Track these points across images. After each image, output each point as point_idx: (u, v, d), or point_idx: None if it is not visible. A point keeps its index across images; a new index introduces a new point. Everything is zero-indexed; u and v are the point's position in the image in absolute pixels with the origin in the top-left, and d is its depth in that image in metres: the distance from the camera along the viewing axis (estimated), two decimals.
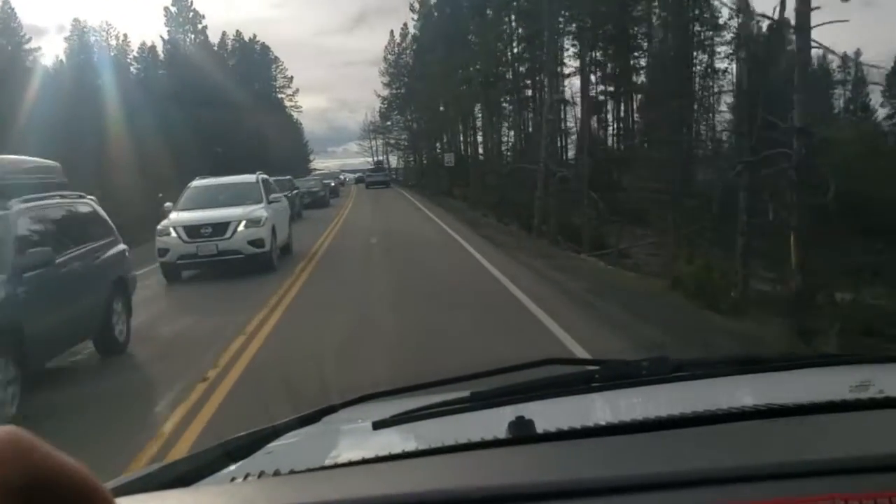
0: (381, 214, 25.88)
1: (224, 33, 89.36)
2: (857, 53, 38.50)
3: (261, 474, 1.12)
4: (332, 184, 42.20)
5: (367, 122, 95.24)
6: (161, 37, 63.59)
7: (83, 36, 58.97)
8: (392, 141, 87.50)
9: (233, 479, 1.13)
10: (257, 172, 13.17)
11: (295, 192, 25.91)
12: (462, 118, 49.43)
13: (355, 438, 1.58)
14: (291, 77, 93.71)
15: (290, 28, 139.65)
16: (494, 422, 1.23)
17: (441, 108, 61.94)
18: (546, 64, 26.19)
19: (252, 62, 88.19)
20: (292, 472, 1.10)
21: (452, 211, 27.36)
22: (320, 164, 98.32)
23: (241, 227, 11.09)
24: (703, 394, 1.43)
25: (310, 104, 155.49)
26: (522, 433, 1.15)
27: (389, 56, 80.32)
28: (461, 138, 56.82)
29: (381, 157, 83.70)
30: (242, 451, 1.36)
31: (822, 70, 47.87)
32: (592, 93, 44.23)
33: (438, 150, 72.22)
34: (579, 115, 34.20)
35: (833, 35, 23.40)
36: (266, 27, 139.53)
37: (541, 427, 1.16)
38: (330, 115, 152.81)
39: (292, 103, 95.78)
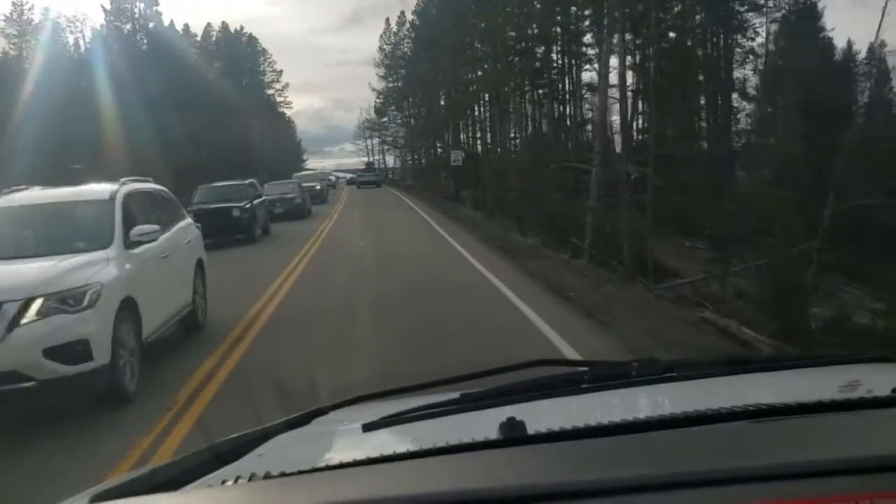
0: (375, 232, 19.36)
1: (209, 24, 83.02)
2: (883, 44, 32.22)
3: (251, 477, 1.10)
4: (318, 186, 35.48)
5: (361, 119, 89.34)
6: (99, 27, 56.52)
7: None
8: (389, 138, 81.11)
9: (223, 482, 1.12)
10: (121, 182, 6.49)
11: (259, 200, 19.29)
12: (468, 110, 43.03)
13: (346, 440, 1.52)
14: (281, 71, 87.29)
15: (284, 27, 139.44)
16: (485, 423, 1.21)
17: (443, 102, 55.96)
18: (603, 36, 19.75)
19: (238, 55, 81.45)
20: (283, 474, 1.09)
21: (469, 224, 20.97)
22: (316, 163, 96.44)
23: (27, 316, 4.68)
24: (693, 394, 1.43)
25: (305, 103, 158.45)
26: (514, 434, 1.13)
27: (385, 46, 73.85)
28: (470, 133, 50.48)
29: (372, 159, 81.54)
30: (232, 453, 1.35)
31: (849, 60, 40.76)
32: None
33: (440, 148, 65.95)
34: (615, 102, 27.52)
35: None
36: (260, 26, 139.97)
37: (532, 428, 1.14)
38: (325, 115, 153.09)
39: (282, 99, 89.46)
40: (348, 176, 73.71)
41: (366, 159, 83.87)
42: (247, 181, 20.03)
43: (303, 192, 26.08)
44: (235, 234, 17.00)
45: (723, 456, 0.99)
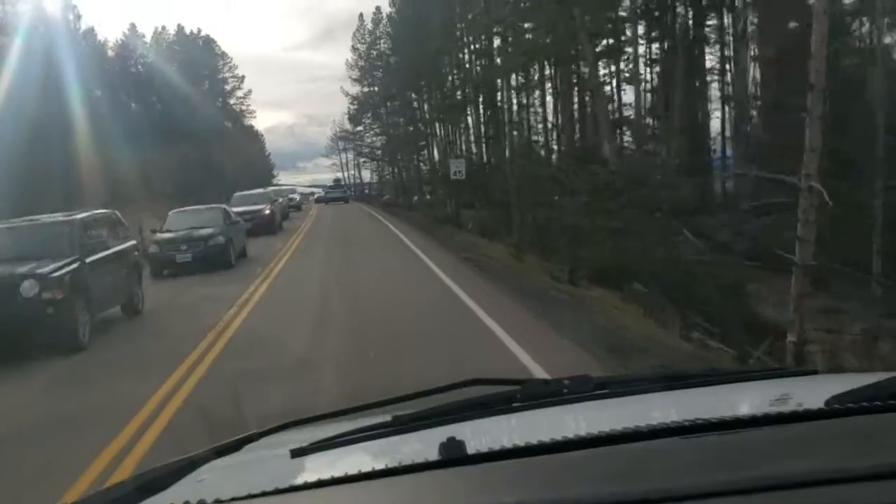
0: (349, 299, 10.83)
1: (163, 28, 73.79)
2: None
3: None
4: (268, 211, 25.54)
5: (335, 129, 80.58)
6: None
7: None
8: (365, 149, 72.20)
9: None
10: None
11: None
12: (469, 107, 34.34)
13: (274, 467, 1.45)
14: (243, 77, 78.08)
15: (256, 43, 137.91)
16: (419, 445, 1.22)
17: (427, 106, 47.21)
18: None
19: (193, 60, 71.91)
20: (217, 501, 1.08)
21: (500, 274, 12.12)
22: (290, 179, 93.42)
23: None
24: (625, 411, 1.45)
25: (278, 120, 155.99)
26: (454, 454, 1.12)
27: (359, 45, 65.01)
28: (465, 139, 41.79)
29: (346, 174, 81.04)
30: (157, 484, 1.33)
31: None
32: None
33: (424, 160, 57.18)
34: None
35: None
36: (232, 42, 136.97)
37: (471, 447, 1.14)
38: (298, 131, 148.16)
39: (245, 107, 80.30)
40: (320, 191, 70.79)
41: (341, 174, 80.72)
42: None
43: (231, 227, 16.90)
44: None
45: (655, 474, 1.01)
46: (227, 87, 78.11)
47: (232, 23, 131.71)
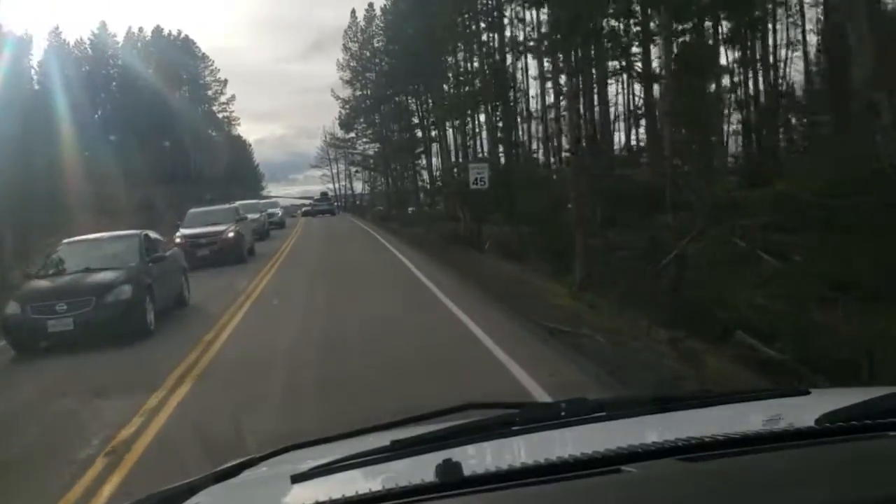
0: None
1: (140, 29, 67.92)
2: None
3: None
4: (231, 234, 19.29)
5: (325, 136, 75.06)
6: None
7: None
8: (357, 157, 66.52)
9: None
10: None
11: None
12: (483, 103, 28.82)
13: (276, 492, 1.43)
14: (225, 81, 72.34)
15: (247, 56, 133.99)
16: (418, 469, 1.20)
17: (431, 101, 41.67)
18: None
19: (171, 62, 65.83)
20: None
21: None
22: (281, 190, 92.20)
23: None
24: (622, 433, 1.44)
25: (268, 131, 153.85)
26: (450, 478, 1.12)
27: (351, 45, 59.32)
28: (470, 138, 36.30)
29: (337, 185, 79.73)
30: None
31: None
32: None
33: (422, 167, 51.54)
34: None
35: None
36: (222, 54, 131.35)
37: (468, 470, 1.14)
38: (289, 142, 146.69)
39: (228, 114, 74.47)
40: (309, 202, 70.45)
41: (332, 185, 78.53)
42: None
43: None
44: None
45: (655, 494, 1.02)
46: (209, 92, 72.26)
47: (220, 34, 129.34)
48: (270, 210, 35.89)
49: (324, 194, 71.33)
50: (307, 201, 71.59)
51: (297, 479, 1.28)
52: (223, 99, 72.20)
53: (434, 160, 50.33)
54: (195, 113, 65.62)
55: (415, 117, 52.45)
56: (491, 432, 1.43)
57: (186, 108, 64.14)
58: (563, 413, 1.48)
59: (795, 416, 1.33)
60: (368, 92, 57.73)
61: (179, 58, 67.31)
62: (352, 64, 59.01)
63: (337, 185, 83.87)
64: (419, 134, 51.77)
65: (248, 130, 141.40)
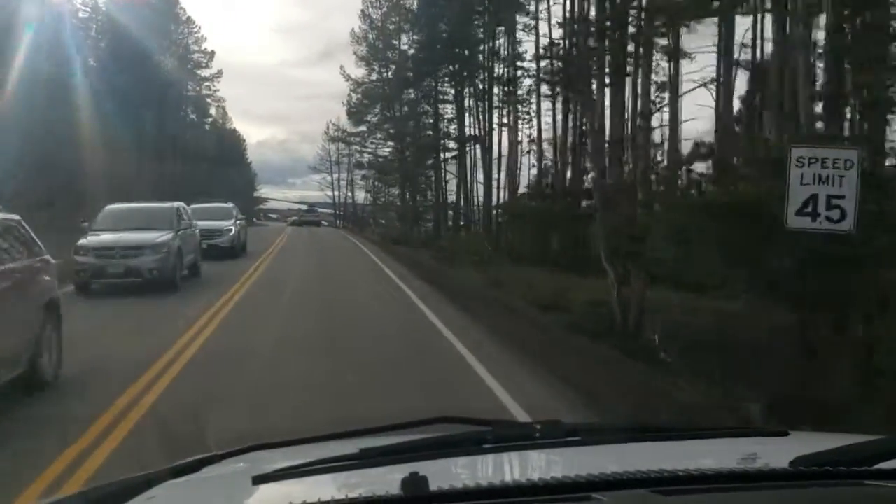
0: None
1: None
2: None
3: None
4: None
5: (329, 129, 62.21)
6: None
7: None
8: (366, 158, 53.12)
9: None
10: None
11: None
12: None
13: (232, 492, 1.39)
14: (212, 52, 59.02)
15: (255, 58, 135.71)
16: (384, 480, 1.18)
17: None
18: None
19: (147, 24, 51.95)
20: None
21: None
22: (279, 194, 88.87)
23: None
24: (595, 459, 1.45)
25: (269, 133, 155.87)
26: (416, 491, 1.09)
27: (372, 10, 45.98)
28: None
29: (313, 202, 74.64)
30: (110, 500, 1.30)
31: None
32: None
33: (449, 178, 38.24)
34: None
35: None
36: (230, 54, 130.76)
37: (435, 485, 1.11)
38: (291, 146, 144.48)
39: (211, 92, 61.08)
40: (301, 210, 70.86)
41: (332, 192, 71.68)
42: None
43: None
44: None
45: None
46: (189, 65, 58.74)
47: (227, 34, 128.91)
48: (206, 224, 18.27)
49: (311, 206, 72.56)
50: (303, 207, 73.48)
51: (259, 480, 1.23)
52: (207, 73, 58.61)
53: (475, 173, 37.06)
54: (168, 85, 52.21)
55: (447, 108, 39.31)
56: (462, 448, 1.41)
57: (158, 79, 50.78)
58: (537, 434, 1.45)
59: (771, 457, 1.33)
60: (389, 74, 44.59)
61: (156, 20, 53.81)
62: (370, 37, 45.85)
63: (337, 193, 71.27)
64: (453, 131, 38.59)
65: (250, 132, 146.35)
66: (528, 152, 27.98)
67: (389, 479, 1.14)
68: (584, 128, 22.05)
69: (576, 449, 1.45)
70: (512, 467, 1.45)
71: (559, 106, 25.82)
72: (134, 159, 40.48)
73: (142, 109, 46.33)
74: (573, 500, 1.08)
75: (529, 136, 29.70)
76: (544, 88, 26.85)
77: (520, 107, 31.00)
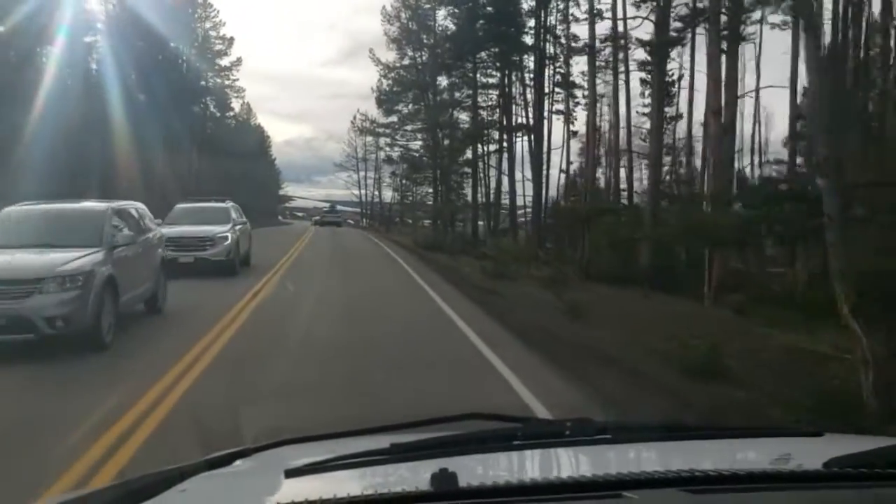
0: None
1: None
2: None
3: None
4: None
5: (356, 120, 58.13)
6: None
7: None
8: (396, 152, 48.61)
9: None
10: None
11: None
12: None
13: (266, 485, 1.35)
14: (231, 39, 54.95)
15: (283, 56, 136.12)
16: (414, 476, 1.18)
17: None
18: None
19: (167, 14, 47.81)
20: None
21: None
22: (304, 192, 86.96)
23: None
24: (626, 458, 1.46)
25: (297, 132, 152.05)
26: (445, 487, 1.09)
27: None
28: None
29: (335, 202, 73.95)
30: (146, 491, 1.29)
31: None
32: None
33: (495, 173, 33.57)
34: None
35: None
36: (260, 53, 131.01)
37: (464, 482, 1.10)
38: (316, 145, 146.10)
39: (230, 81, 57.00)
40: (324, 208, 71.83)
41: (358, 191, 70.54)
42: None
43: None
44: None
45: None
46: (209, 54, 54.57)
47: (256, 33, 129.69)
48: (191, 231, 14.54)
49: (332, 206, 72.15)
50: (326, 205, 73.50)
51: (291, 473, 1.24)
52: (226, 62, 54.51)
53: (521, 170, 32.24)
54: (185, 74, 48.17)
55: (491, 94, 34.63)
56: (491, 445, 1.40)
57: (173, 67, 46.83)
58: (567, 432, 1.44)
59: (805, 457, 1.30)
60: (424, 58, 40.02)
61: (173, 7, 49.66)
62: (402, 16, 41.26)
63: (364, 192, 67.18)
64: (500, 120, 33.88)
65: (276, 130, 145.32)
66: (598, 141, 23.09)
67: (419, 474, 1.14)
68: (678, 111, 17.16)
69: (606, 447, 1.44)
70: (541, 465, 1.43)
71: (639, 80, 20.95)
72: (163, 157, 36.80)
73: (167, 106, 42.41)
74: (603, 497, 1.07)
75: (594, 123, 24.79)
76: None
77: (580, 92, 26.15)
